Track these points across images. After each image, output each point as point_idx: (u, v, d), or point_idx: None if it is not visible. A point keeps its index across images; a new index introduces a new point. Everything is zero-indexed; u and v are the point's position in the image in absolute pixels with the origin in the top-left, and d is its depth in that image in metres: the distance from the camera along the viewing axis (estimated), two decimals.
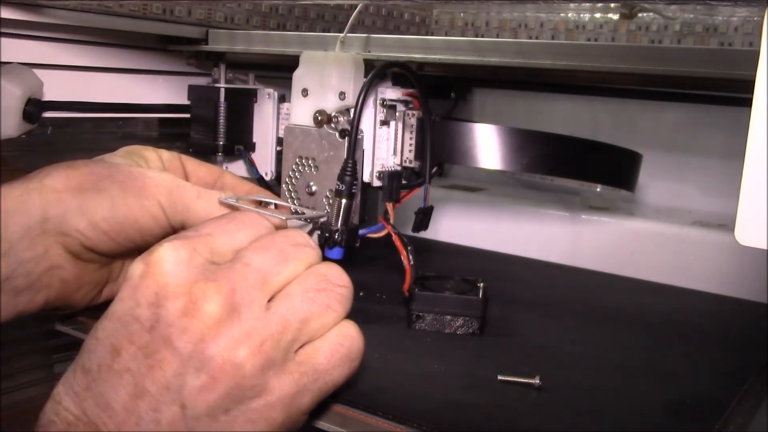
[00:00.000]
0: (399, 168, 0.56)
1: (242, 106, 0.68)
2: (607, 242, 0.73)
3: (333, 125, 0.53)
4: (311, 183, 0.54)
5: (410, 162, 0.56)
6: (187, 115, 0.70)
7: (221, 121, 0.68)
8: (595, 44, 0.78)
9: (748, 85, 0.28)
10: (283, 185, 0.56)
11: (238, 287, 0.33)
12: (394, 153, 0.56)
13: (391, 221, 0.53)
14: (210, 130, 0.68)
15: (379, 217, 0.54)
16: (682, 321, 0.58)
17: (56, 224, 0.41)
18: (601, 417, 0.40)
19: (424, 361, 0.45)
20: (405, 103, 0.56)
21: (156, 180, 0.43)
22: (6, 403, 0.65)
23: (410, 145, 0.56)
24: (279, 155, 0.67)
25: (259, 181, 0.68)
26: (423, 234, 0.57)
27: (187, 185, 0.44)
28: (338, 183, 0.52)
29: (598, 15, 0.88)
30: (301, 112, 0.55)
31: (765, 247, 0.28)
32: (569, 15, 0.89)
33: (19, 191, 0.41)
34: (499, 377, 0.42)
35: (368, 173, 0.55)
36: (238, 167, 0.69)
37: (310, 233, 0.45)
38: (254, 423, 0.32)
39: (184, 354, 0.31)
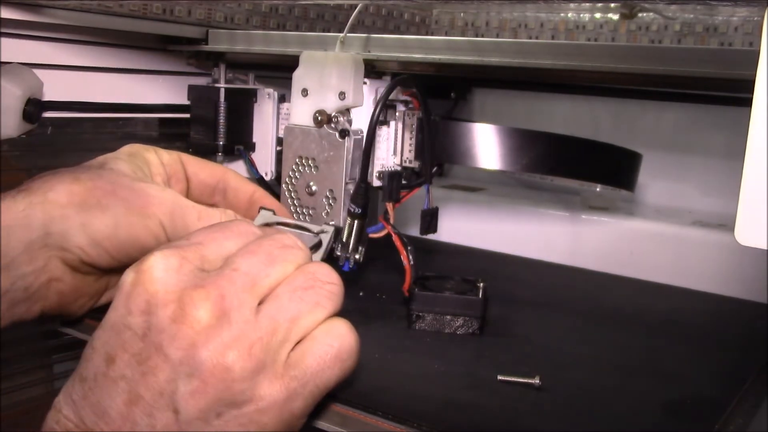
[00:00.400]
0: (399, 168, 0.56)
1: (242, 106, 0.68)
2: (607, 242, 0.73)
3: (333, 125, 0.53)
4: (311, 183, 0.54)
5: (410, 162, 0.56)
6: (187, 115, 0.70)
7: (221, 121, 0.68)
8: (595, 44, 0.78)
9: (748, 85, 0.28)
10: (283, 185, 0.56)
11: (227, 292, 0.33)
12: (394, 153, 0.56)
13: (391, 221, 0.53)
14: (210, 130, 0.68)
15: (379, 217, 0.54)
16: (682, 321, 0.58)
17: (58, 240, 0.41)
18: (601, 417, 0.40)
19: (424, 361, 0.45)
20: (405, 103, 0.56)
21: (158, 199, 0.43)
22: (6, 403, 0.65)
23: (410, 145, 0.56)
24: (279, 155, 0.67)
25: (259, 181, 0.68)
26: (426, 235, 0.57)
27: (189, 205, 0.44)
28: (352, 206, 0.52)
29: (598, 15, 0.88)
30: (301, 112, 0.55)
31: (765, 247, 0.28)
32: (569, 15, 0.89)
33: (23, 206, 0.41)
34: (499, 377, 0.42)
35: (368, 173, 0.55)
36: (238, 167, 0.69)
37: (316, 247, 0.45)
38: (246, 428, 0.32)
39: (175, 360, 0.31)
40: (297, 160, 0.55)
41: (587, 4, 0.84)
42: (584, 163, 0.58)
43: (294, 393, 0.33)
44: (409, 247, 0.51)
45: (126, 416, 0.31)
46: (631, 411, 0.40)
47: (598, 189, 0.80)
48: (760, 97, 0.28)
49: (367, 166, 0.53)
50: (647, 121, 0.82)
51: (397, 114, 0.56)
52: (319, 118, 0.53)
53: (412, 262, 0.51)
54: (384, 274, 0.61)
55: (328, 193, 0.54)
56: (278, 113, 0.67)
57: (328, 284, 0.36)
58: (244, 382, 0.32)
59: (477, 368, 0.45)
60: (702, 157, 0.80)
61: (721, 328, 0.58)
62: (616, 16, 0.86)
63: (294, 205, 0.55)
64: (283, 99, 0.67)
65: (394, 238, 0.52)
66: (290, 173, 0.55)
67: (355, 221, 0.53)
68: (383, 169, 0.55)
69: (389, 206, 0.54)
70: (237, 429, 0.32)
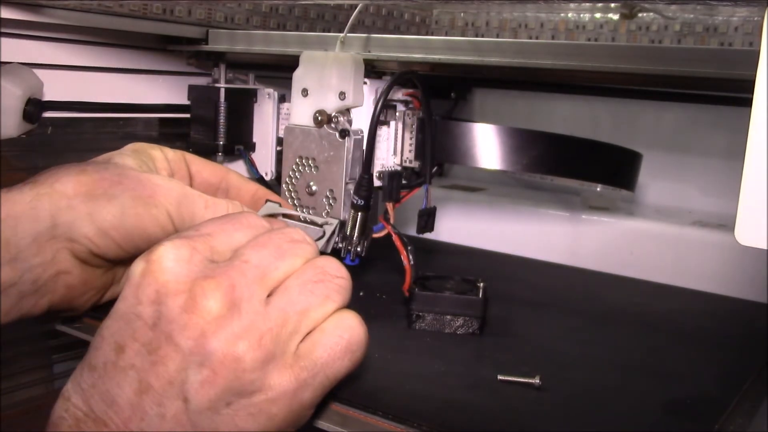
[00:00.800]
0: (399, 168, 0.56)
1: (242, 106, 0.68)
2: (607, 242, 0.73)
3: (333, 125, 0.53)
4: (311, 183, 0.54)
5: (410, 162, 0.56)
6: (187, 115, 0.70)
7: (221, 121, 0.68)
8: (595, 44, 0.78)
9: (748, 85, 0.28)
10: (283, 185, 0.56)
11: (237, 283, 0.33)
12: (394, 153, 0.56)
13: (391, 221, 0.53)
14: (210, 130, 0.68)
15: (379, 217, 0.54)
16: (682, 321, 0.58)
17: (65, 230, 0.41)
18: (601, 417, 0.40)
19: (424, 361, 0.45)
20: (405, 103, 0.56)
21: (165, 189, 0.43)
22: (6, 403, 0.65)
23: (410, 145, 0.56)
24: (279, 155, 0.67)
25: (259, 181, 0.68)
26: (423, 234, 0.57)
27: (195, 195, 0.44)
28: (355, 198, 0.52)
29: (598, 15, 0.88)
30: (301, 112, 0.55)
31: (765, 247, 0.28)
32: (569, 15, 0.89)
33: (30, 197, 0.41)
34: (499, 377, 0.42)
35: (371, 165, 0.55)
36: (238, 167, 0.69)
37: (320, 239, 0.46)
38: (255, 417, 0.32)
39: (186, 349, 0.32)
40: (297, 160, 0.55)
41: (587, 4, 0.84)
42: (584, 163, 0.58)
43: (304, 383, 0.33)
44: (409, 247, 0.51)
45: (136, 405, 0.32)
46: (631, 411, 0.40)
47: (598, 189, 0.80)
48: (760, 97, 0.28)
49: (370, 158, 0.53)
50: (647, 121, 0.82)
51: (397, 114, 0.56)
52: (319, 118, 0.53)
53: (412, 262, 0.51)
54: (384, 274, 0.61)
55: (328, 193, 0.54)
56: (278, 113, 0.67)
57: (338, 278, 0.36)
58: (254, 372, 0.32)
59: (477, 368, 0.45)
60: (702, 157, 0.80)
61: (721, 328, 0.58)
62: (616, 16, 0.86)
63: (294, 205, 0.55)
64: (283, 99, 0.67)
65: (394, 238, 0.52)
66: (290, 173, 0.55)
67: (359, 213, 0.53)
68: (383, 169, 0.55)
69: (389, 206, 0.54)
70: (246, 418, 0.32)
